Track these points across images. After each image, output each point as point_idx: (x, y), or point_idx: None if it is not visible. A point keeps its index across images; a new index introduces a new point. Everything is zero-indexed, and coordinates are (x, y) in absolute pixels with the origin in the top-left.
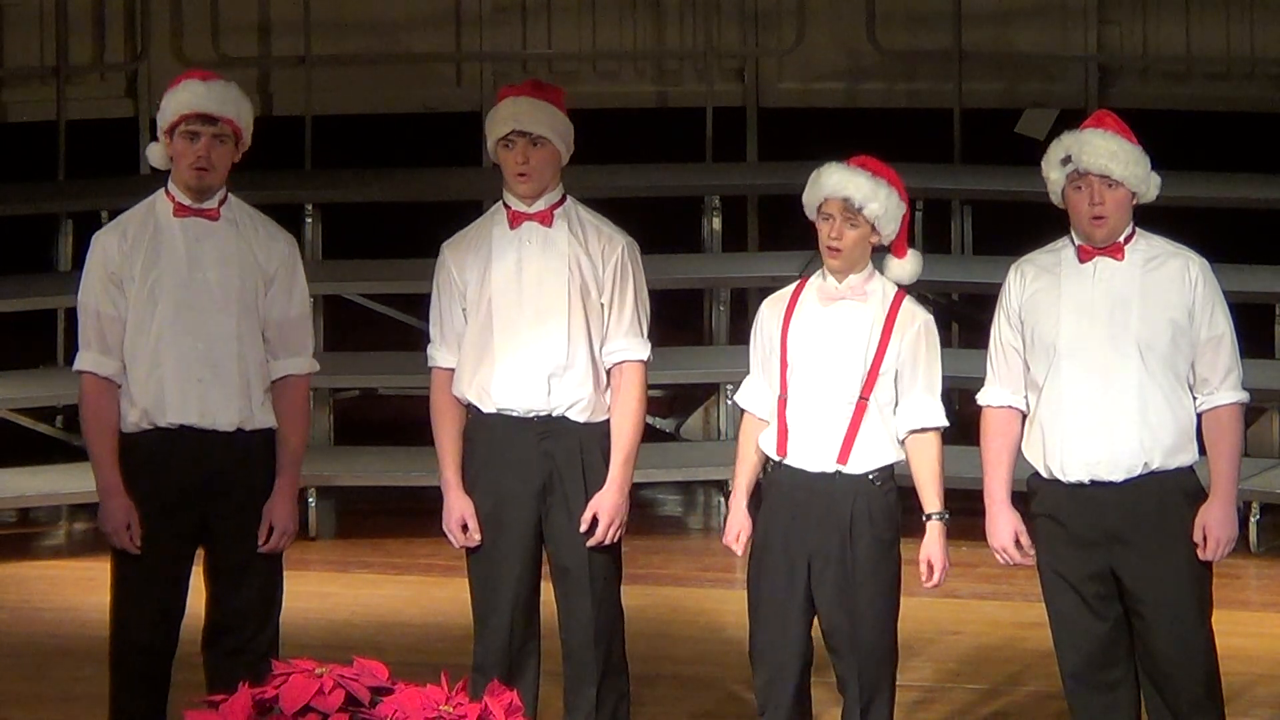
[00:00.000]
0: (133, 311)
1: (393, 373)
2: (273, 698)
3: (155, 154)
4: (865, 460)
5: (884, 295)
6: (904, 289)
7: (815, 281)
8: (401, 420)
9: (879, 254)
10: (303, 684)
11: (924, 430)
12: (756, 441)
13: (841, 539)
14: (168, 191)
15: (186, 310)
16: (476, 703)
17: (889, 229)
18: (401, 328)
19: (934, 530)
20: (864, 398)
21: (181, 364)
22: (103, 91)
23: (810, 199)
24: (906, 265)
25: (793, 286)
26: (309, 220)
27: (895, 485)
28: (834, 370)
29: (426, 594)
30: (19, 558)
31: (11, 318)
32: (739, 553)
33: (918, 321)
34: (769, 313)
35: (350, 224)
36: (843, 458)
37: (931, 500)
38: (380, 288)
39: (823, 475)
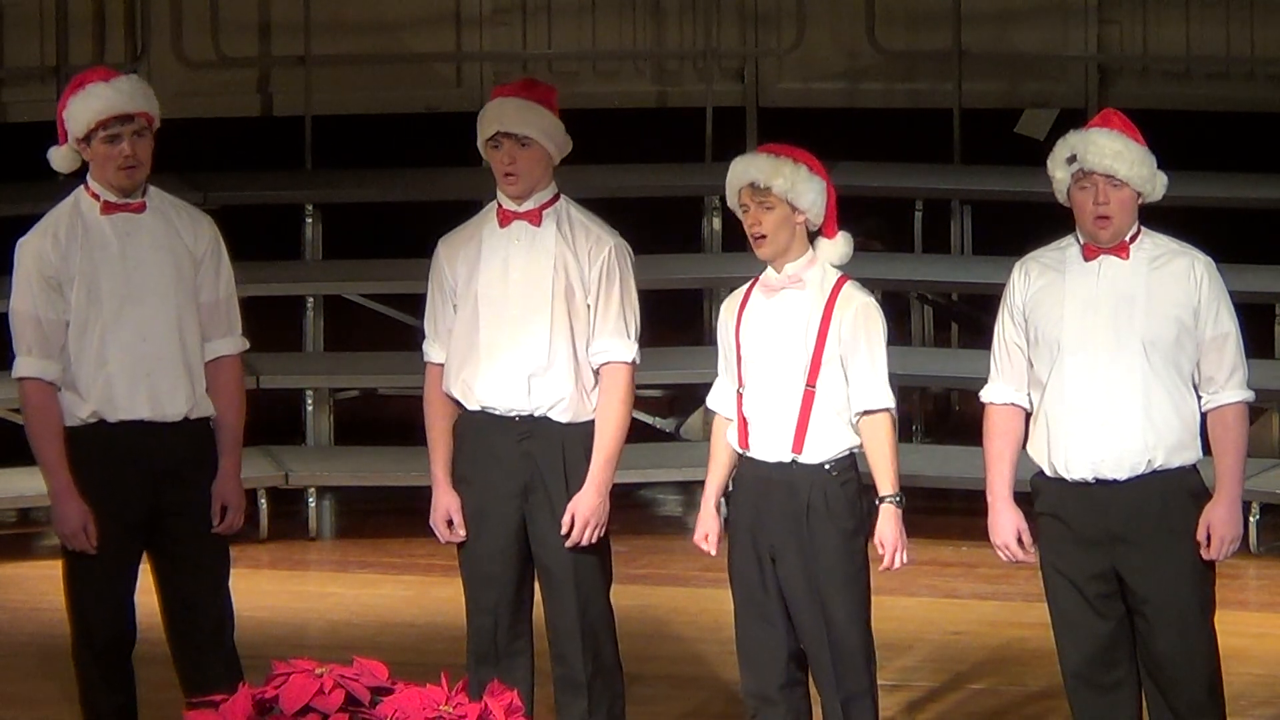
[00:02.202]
0: (74, 313)
1: (393, 373)
2: (273, 698)
3: (60, 159)
4: (820, 449)
5: (823, 282)
6: (847, 275)
7: (762, 275)
8: (401, 420)
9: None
10: (303, 684)
11: (871, 412)
12: (726, 442)
13: (801, 530)
14: (89, 189)
15: (128, 306)
16: (476, 702)
17: (805, 203)
18: (401, 328)
19: (887, 513)
20: (810, 386)
21: (128, 361)
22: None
23: (729, 200)
24: (837, 245)
25: (748, 284)
26: (309, 220)
27: (856, 475)
28: (779, 361)
29: (426, 594)
30: (19, 558)
31: None
32: (711, 553)
33: (854, 304)
34: (724, 311)
35: (350, 224)
36: (797, 446)
37: (884, 483)
38: (380, 288)
39: (780, 465)
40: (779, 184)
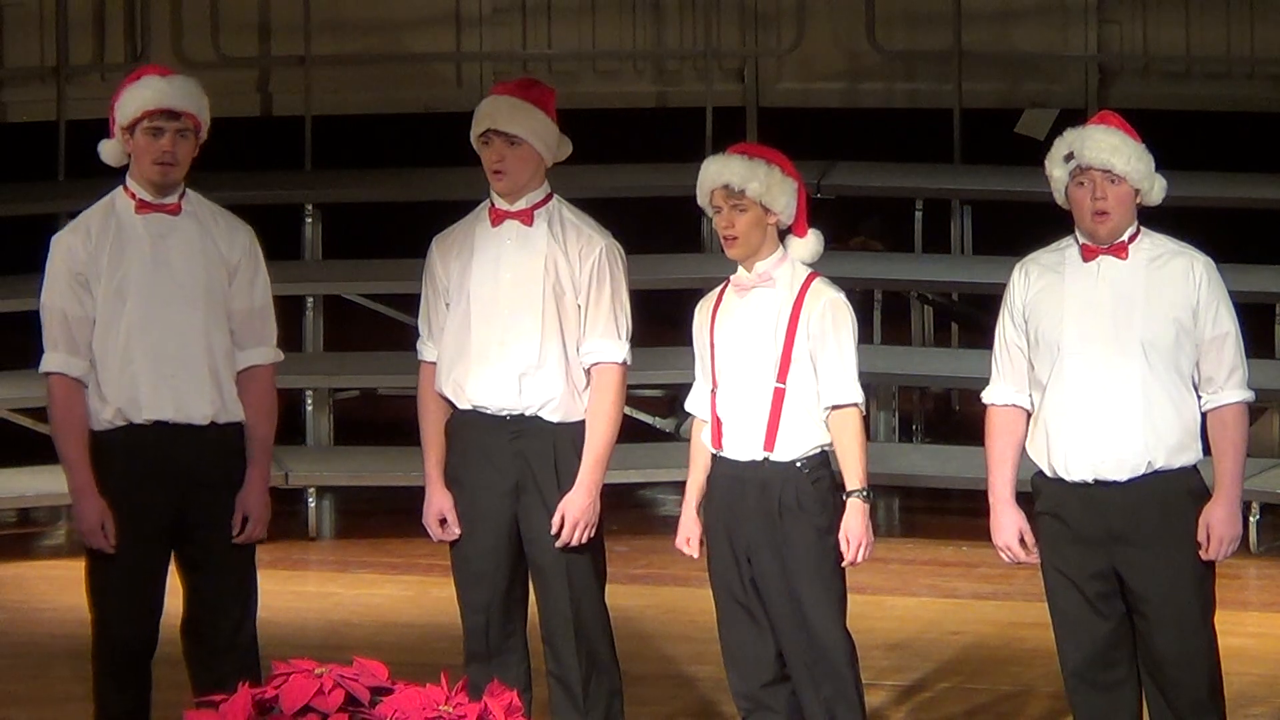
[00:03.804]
0: (101, 310)
1: (393, 373)
2: (273, 698)
3: (109, 151)
4: (792, 447)
5: (793, 279)
6: (816, 271)
7: (734, 275)
8: (401, 420)
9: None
10: (303, 684)
11: (839, 407)
12: (703, 444)
13: (774, 528)
14: (126, 188)
15: (154, 306)
16: (476, 702)
17: (779, 206)
18: (401, 328)
19: (854, 507)
20: (780, 383)
21: (152, 360)
22: (103, 91)
23: (700, 198)
24: (808, 244)
25: (721, 285)
26: (309, 220)
27: (828, 473)
28: (750, 359)
29: (426, 594)
30: (19, 558)
31: (12, 317)
32: (693, 555)
33: (822, 299)
34: (698, 313)
35: (350, 224)
36: (768, 445)
37: (851, 478)
38: (380, 288)
39: (752, 464)
40: (753, 188)
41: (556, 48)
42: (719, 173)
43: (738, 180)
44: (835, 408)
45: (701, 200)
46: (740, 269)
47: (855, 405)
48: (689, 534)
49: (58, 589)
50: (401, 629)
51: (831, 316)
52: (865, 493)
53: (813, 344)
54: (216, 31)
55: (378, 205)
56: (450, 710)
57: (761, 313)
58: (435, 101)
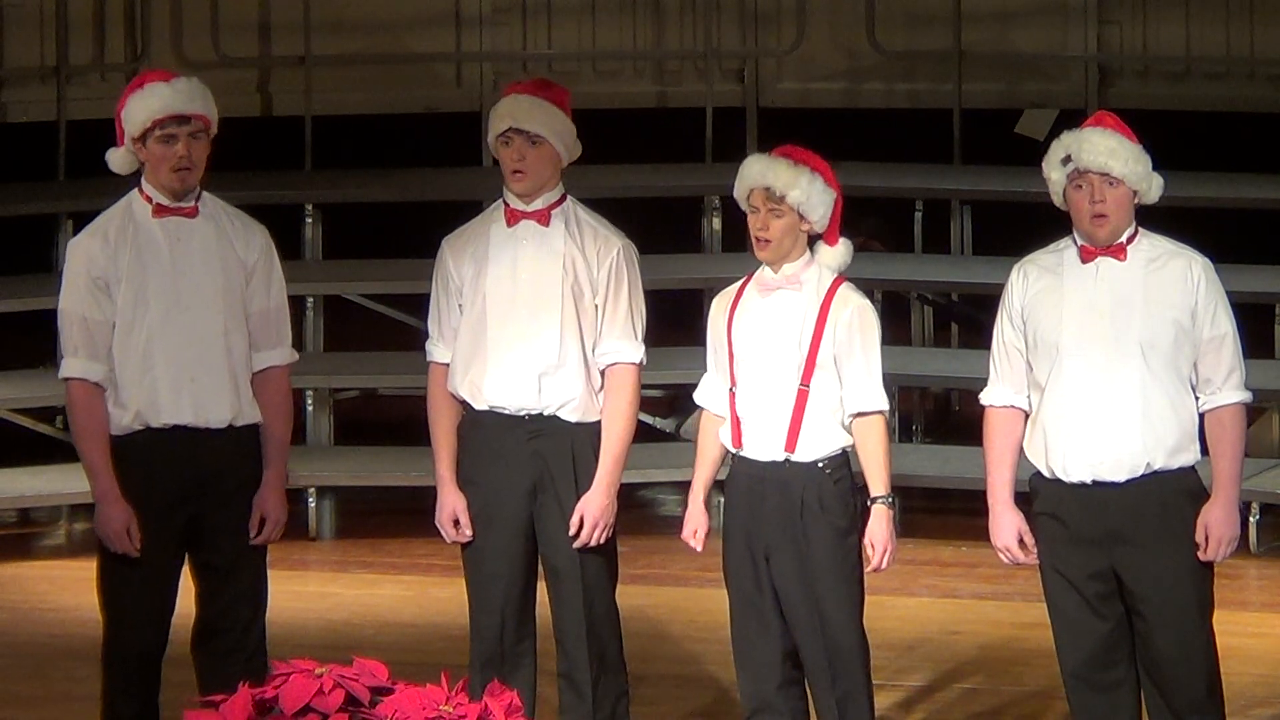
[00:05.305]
0: (121, 315)
1: (393, 373)
2: (273, 698)
3: (117, 160)
4: (814, 448)
5: (819, 283)
6: (842, 276)
7: (757, 273)
8: (401, 420)
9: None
10: (303, 684)
11: (865, 414)
12: (714, 438)
13: (795, 528)
14: (142, 192)
15: (175, 310)
16: (476, 702)
17: (816, 215)
18: (401, 328)
19: (879, 514)
20: (804, 385)
21: (173, 364)
22: (103, 91)
23: (737, 193)
24: (838, 253)
25: (740, 281)
26: (309, 220)
27: (849, 474)
28: (773, 360)
29: (426, 594)
30: (19, 558)
31: (11, 318)
32: (698, 549)
33: (850, 306)
34: (716, 308)
35: (350, 224)
36: (790, 445)
37: (876, 484)
38: (380, 288)
39: (773, 464)
40: (794, 195)
41: (556, 48)
42: (762, 174)
43: (780, 185)
44: (860, 414)
45: (738, 195)
46: (765, 269)
47: (881, 412)
48: (697, 525)
49: (58, 589)
50: (401, 629)
51: (860, 323)
52: (890, 499)
53: (839, 349)
54: (216, 31)
55: (378, 205)
56: (450, 710)
57: (786, 315)
58: (435, 101)
